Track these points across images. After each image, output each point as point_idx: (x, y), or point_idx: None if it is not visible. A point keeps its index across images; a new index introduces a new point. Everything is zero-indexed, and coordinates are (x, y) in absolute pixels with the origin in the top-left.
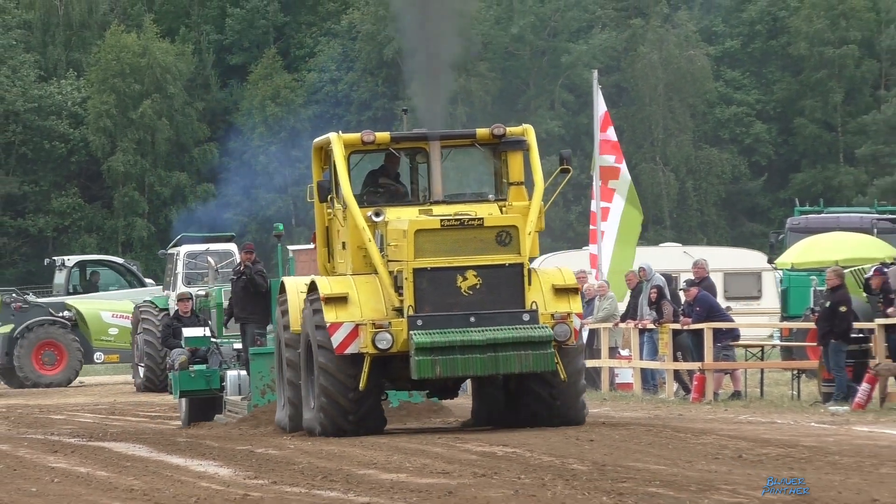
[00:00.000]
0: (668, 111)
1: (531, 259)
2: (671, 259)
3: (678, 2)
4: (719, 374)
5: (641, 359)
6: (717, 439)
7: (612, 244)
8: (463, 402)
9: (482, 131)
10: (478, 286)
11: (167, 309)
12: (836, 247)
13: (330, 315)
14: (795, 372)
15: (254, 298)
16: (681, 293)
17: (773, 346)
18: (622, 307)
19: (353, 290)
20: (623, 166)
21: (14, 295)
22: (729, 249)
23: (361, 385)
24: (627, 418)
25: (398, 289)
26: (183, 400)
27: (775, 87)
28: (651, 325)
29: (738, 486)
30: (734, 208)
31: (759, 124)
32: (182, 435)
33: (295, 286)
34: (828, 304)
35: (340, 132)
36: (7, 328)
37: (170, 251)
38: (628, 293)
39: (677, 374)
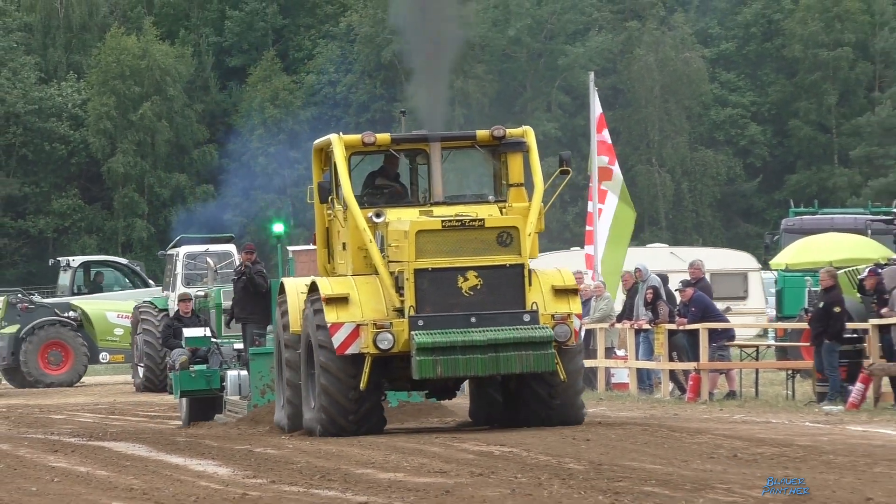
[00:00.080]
0: (664, 113)
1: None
2: (658, 259)
3: (674, 4)
4: (714, 374)
5: (637, 359)
6: (713, 439)
7: (603, 244)
8: (461, 403)
9: (482, 133)
10: (479, 287)
11: (166, 309)
12: (830, 248)
13: (331, 315)
14: (790, 372)
15: (254, 299)
16: (676, 293)
17: (768, 346)
18: (618, 307)
19: (353, 290)
20: (616, 167)
21: (20, 295)
22: (715, 250)
23: (362, 385)
24: (623, 418)
25: (399, 289)
26: (183, 400)
27: (770, 89)
28: (647, 326)
29: (733, 486)
30: (729, 209)
31: (753, 126)
32: (181, 435)
33: (294, 287)
34: (821, 304)
35: (341, 133)
36: (13, 328)
37: (169, 252)
38: (619, 291)
39: (673, 374)
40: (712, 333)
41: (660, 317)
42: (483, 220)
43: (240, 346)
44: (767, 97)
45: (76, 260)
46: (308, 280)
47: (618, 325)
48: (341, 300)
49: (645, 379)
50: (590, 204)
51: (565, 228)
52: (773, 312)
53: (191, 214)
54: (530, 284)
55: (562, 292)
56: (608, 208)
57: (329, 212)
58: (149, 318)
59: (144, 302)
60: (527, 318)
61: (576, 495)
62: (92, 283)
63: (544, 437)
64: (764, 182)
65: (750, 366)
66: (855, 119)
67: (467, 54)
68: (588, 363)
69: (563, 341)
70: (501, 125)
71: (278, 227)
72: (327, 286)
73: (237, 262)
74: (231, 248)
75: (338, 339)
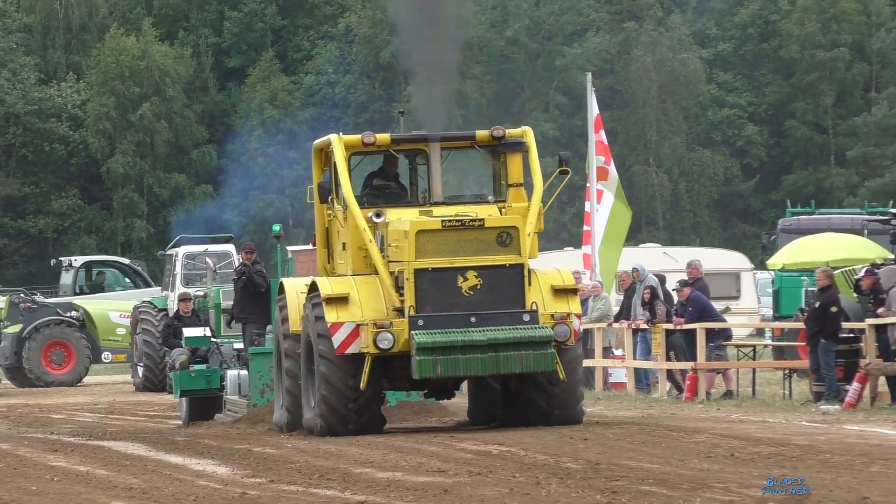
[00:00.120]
0: (662, 113)
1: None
2: (651, 259)
3: (671, 5)
4: (712, 373)
5: (635, 358)
6: (710, 438)
7: (598, 244)
8: (459, 402)
9: (482, 133)
10: (478, 286)
11: (166, 309)
12: (827, 248)
13: (331, 315)
14: (787, 371)
15: (253, 298)
16: (673, 293)
17: (765, 345)
18: (615, 307)
19: (353, 290)
20: (611, 167)
21: (23, 295)
22: (708, 250)
23: (362, 385)
24: (621, 417)
25: (399, 289)
26: (183, 399)
27: (767, 90)
28: (644, 326)
29: (730, 485)
30: (726, 210)
31: (750, 126)
32: (180, 434)
33: (294, 287)
34: (817, 304)
35: (341, 134)
36: (16, 328)
37: (168, 252)
38: (613, 290)
39: (670, 374)
40: (709, 333)
41: (657, 316)
42: (483, 220)
43: (239, 345)
44: (764, 98)
45: (78, 260)
46: (308, 280)
47: (615, 325)
48: (341, 300)
49: (642, 378)
50: (587, 204)
51: (563, 229)
52: (767, 312)
53: (190, 215)
54: (530, 284)
55: (561, 292)
56: (604, 207)
57: (329, 212)
58: (148, 318)
59: (144, 302)
60: (526, 317)
61: (573, 494)
62: (94, 283)
63: (542, 436)
64: (761, 182)
65: (747, 365)
66: (851, 119)
67: (465, 55)
68: (586, 363)
69: (562, 341)
70: (500, 125)
71: (276, 226)
72: (327, 286)
73: (236, 262)
74: (230, 248)
75: (338, 338)
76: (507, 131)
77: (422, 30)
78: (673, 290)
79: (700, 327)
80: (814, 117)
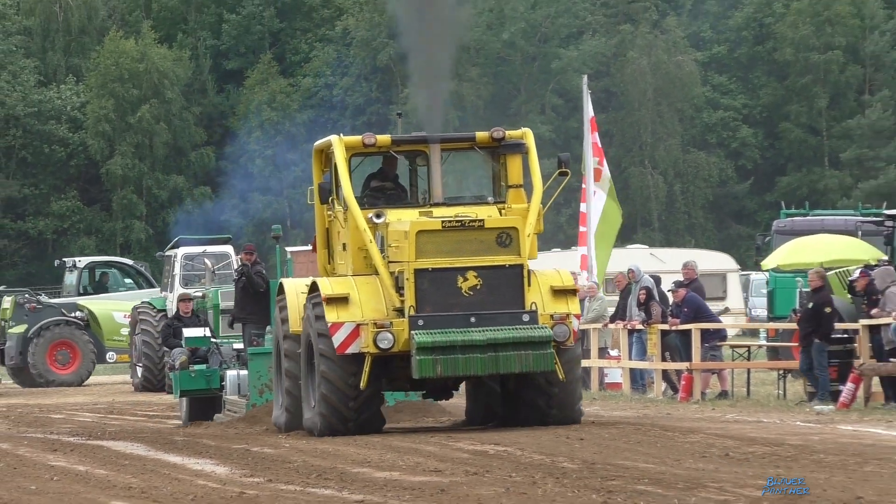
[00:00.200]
0: (657, 115)
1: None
2: (638, 261)
3: (667, 8)
4: (707, 373)
5: (630, 359)
6: (705, 438)
7: (593, 245)
8: (457, 403)
9: (482, 134)
10: (478, 287)
11: (165, 310)
12: (821, 249)
13: (331, 315)
14: (781, 372)
15: (253, 299)
16: (669, 294)
17: (760, 346)
18: (610, 308)
19: (354, 290)
20: (605, 167)
21: (27, 296)
22: (696, 251)
23: (362, 384)
24: (616, 417)
25: (399, 289)
26: (183, 399)
27: (761, 92)
28: (640, 326)
29: (725, 484)
30: (721, 211)
31: (745, 128)
32: (179, 434)
33: (294, 287)
34: (810, 305)
35: (342, 135)
36: (21, 328)
37: (167, 253)
38: (601, 290)
39: (665, 374)
40: (704, 333)
41: (653, 317)
42: (483, 220)
43: (239, 345)
44: (759, 100)
45: (82, 261)
46: (308, 280)
47: (611, 326)
48: (341, 300)
49: (638, 379)
50: (582, 205)
51: (559, 230)
52: (762, 313)
53: (188, 216)
54: (529, 285)
55: (560, 293)
56: (597, 207)
57: (329, 213)
58: (147, 319)
59: (143, 302)
60: (526, 318)
61: (569, 494)
62: (97, 284)
63: (538, 436)
64: (755, 184)
65: (742, 366)
66: (845, 122)
67: (462, 57)
68: (581, 363)
69: (561, 341)
70: (499, 127)
71: (275, 227)
72: (327, 286)
73: (235, 263)
74: (229, 249)
75: (338, 338)
76: (507, 133)
77: (422, 31)
78: (668, 290)
79: (695, 328)
80: (808, 119)
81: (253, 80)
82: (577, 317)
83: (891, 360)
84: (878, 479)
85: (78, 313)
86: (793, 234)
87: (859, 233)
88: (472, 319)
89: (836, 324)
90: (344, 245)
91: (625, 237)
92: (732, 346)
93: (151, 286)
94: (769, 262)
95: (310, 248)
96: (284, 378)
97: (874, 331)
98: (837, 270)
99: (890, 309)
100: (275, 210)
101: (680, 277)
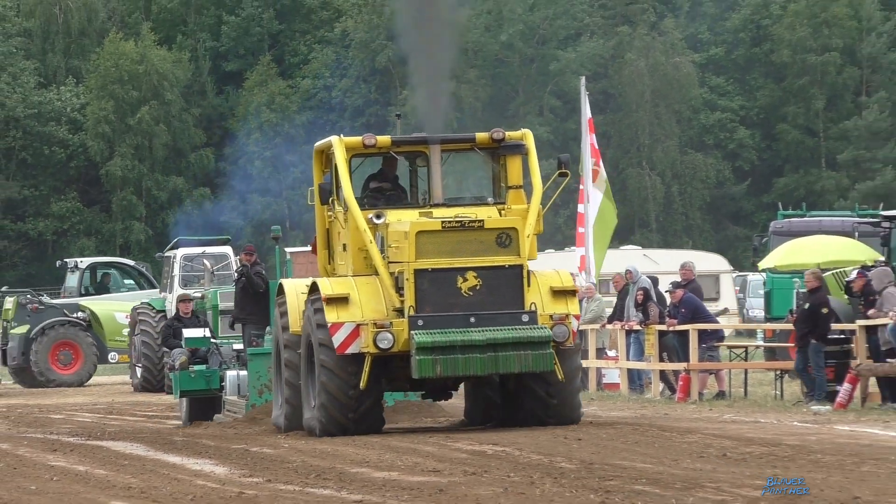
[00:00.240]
0: (655, 117)
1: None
2: (631, 262)
3: (664, 10)
4: (704, 374)
5: (628, 359)
6: (702, 438)
7: (591, 246)
8: (456, 403)
9: (482, 135)
10: (478, 287)
11: (164, 311)
12: (818, 250)
13: (331, 315)
14: (778, 372)
15: (252, 299)
16: (666, 295)
17: (757, 346)
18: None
19: (354, 290)
20: (601, 168)
21: (30, 296)
22: (688, 252)
23: (362, 384)
24: (614, 418)
25: (399, 289)
26: (183, 400)
27: (759, 94)
28: (637, 327)
29: (722, 484)
30: (719, 212)
31: (742, 130)
32: (178, 434)
33: (294, 287)
34: (807, 305)
35: (342, 135)
36: (23, 328)
37: (166, 254)
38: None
39: (663, 375)
40: (702, 334)
41: (650, 318)
42: (482, 221)
43: (239, 346)
44: (756, 101)
45: (84, 261)
46: (308, 281)
47: (609, 326)
48: (342, 300)
49: (636, 379)
50: (580, 206)
51: (557, 231)
52: (759, 313)
53: (188, 217)
54: (529, 285)
55: (560, 293)
56: (593, 207)
57: (330, 213)
58: (146, 319)
59: (142, 303)
60: (525, 318)
61: (567, 494)
62: (98, 285)
63: (536, 436)
64: (753, 185)
65: (739, 366)
66: (842, 123)
67: (460, 59)
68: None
69: (561, 341)
70: (499, 128)
71: (275, 228)
72: (328, 286)
73: (234, 264)
74: (227, 250)
75: (338, 338)
76: (507, 134)
77: (423, 31)
78: (666, 291)
79: (692, 328)
80: (805, 121)
81: (252, 82)
82: (577, 317)
83: (887, 360)
84: (875, 479)
85: (80, 314)
86: (790, 235)
87: (856, 234)
88: (472, 319)
89: (832, 324)
90: (344, 245)
91: (622, 238)
92: (730, 347)
93: (153, 287)
94: (766, 262)
95: (309, 248)
96: (284, 378)
97: (871, 331)
98: (834, 271)
99: (887, 309)
100: (274, 211)
101: (674, 278)
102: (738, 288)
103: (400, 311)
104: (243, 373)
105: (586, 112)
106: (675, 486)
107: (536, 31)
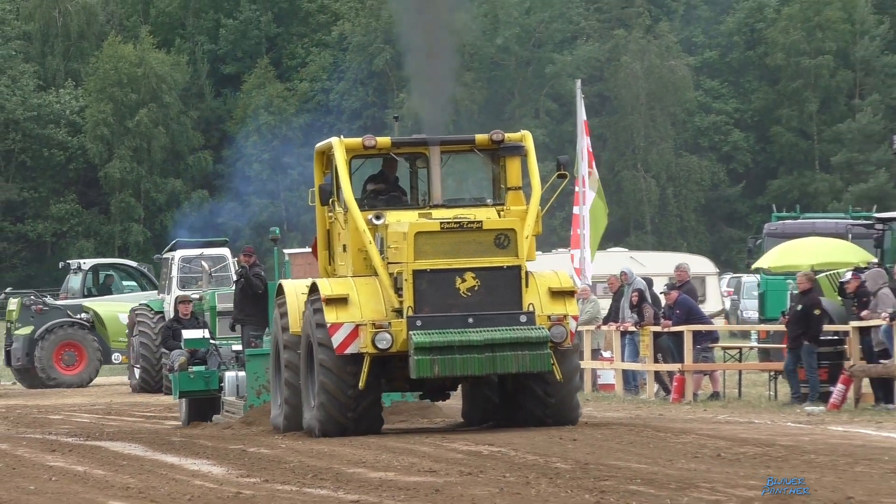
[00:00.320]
0: (650, 119)
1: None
2: (618, 264)
3: (659, 14)
4: (699, 375)
5: (623, 360)
6: (697, 439)
7: (587, 247)
8: (452, 404)
9: (481, 137)
10: (476, 288)
11: (162, 312)
12: (812, 251)
13: (331, 315)
14: (772, 373)
15: (251, 300)
16: (661, 296)
17: (751, 348)
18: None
19: (353, 291)
20: (594, 168)
21: (33, 297)
22: (675, 255)
23: (361, 384)
24: (609, 418)
25: (398, 290)
26: (183, 400)
27: (753, 97)
28: (632, 328)
29: (716, 484)
30: (713, 214)
31: (737, 132)
32: (176, 434)
33: (293, 288)
34: (799, 307)
35: (342, 137)
36: (27, 329)
37: (165, 256)
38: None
39: (658, 376)
40: (696, 335)
41: (645, 319)
42: (481, 221)
43: (238, 347)
44: (750, 104)
45: (87, 263)
46: (308, 281)
47: (604, 328)
48: (341, 300)
49: (630, 380)
50: (576, 208)
51: (552, 233)
52: (753, 315)
53: (186, 219)
54: (527, 286)
55: (558, 294)
56: (587, 207)
57: (330, 214)
58: (145, 321)
59: (141, 304)
60: (523, 318)
61: (563, 494)
62: (101, 286)
63: (532, 437)
64: (747, 187)
65: (733, 367)
66: (836, 126)
67: (457, 62)
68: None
69: (558, 342)
70: (498, 130)
71: (273, 229)
72: (327, 287)
73: (232, 266)
74: (225, 251)
75: (337, 338)
76: (506, 135)
77: (423, 32)
78: (661, 293)
79: (687, 329)
80: (799, 123)
81: (250, 85)
82: (575, 318)
83: (881, 361)
84: (868, 480)
85: (84, 315)
86: (784, 237)
87: (850, 236)
88: (470, 320)
89: (825, 326)
90: (344, 246)
91: (617, 240)
92: (724, 348)
93: (155, 288)
94: (760, 264)
95: (308, 249)
96: (284, 378)
97: (864, 332)
98: (828, 273)
99: (881, 310)
100: (272, 213)
101: (662, 281)
102: (731, 290)
103: (399, 312)
104: (242, 374)
105: (582, 115)
106: (670, 486)
107: (532, 34)
